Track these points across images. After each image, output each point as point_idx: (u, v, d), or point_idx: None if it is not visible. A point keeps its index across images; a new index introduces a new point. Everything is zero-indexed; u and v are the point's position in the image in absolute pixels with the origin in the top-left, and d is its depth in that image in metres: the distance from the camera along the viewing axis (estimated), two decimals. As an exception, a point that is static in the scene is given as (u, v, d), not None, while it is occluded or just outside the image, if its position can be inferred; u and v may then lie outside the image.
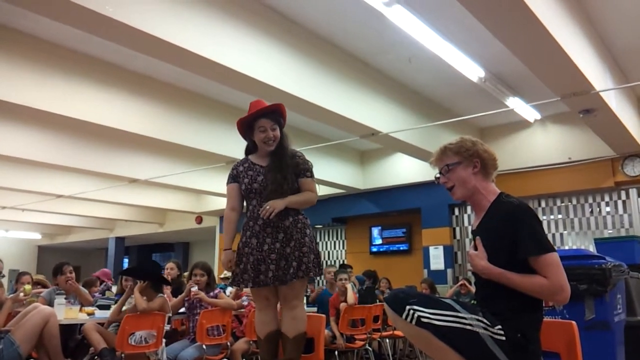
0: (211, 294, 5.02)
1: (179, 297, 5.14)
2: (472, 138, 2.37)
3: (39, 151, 8.61)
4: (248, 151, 3.52)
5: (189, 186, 11.05)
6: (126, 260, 21.01)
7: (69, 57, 6.46)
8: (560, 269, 2.05)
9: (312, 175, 3.42)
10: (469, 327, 2.01)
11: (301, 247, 3.22)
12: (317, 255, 3.32)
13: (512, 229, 2.12)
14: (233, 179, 3.41)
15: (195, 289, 4.93)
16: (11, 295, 4.83)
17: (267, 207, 3.18)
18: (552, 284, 2.02)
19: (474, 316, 2.04)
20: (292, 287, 3.22)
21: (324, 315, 3.76)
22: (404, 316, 2.03)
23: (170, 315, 4.94)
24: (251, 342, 5.12)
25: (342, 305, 5.99)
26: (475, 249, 2.26)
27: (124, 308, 4.71)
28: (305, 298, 6.70)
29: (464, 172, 2.32)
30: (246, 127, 3.41)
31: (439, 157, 2.41)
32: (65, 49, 6.43)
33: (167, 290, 6.71)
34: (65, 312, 4.64)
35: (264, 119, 3.32)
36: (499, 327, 2.04)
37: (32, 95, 6.13)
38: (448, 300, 2.12)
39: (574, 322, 2.48)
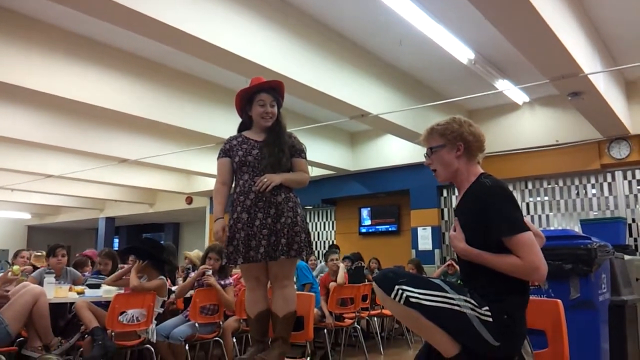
0: (222, 282, 5.02)
1: (189, 279, 5.14)
2: (462, 119, 2.35)
3: (29, 131, 8.55)
4: (242, 128, 3.47)
5: (179, 167, 11.02)
6: (116, 241, 20.99)
7: (58, 37, 6.39)
8: (533, 249, 2.05)
9: (305, 157, 3.41)
10: (456, 308, 2.03)
11: (293, 226, 3.17)
12: (307, 234, 3.30)
13: (484, 211, 2.13)
14: (225, 153, 3.35)
15: (209, 273, 4.93)
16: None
17: (265, 179, 3.15)
18: (526, 263, 2.03)
19: (462, 297, 2.06)
20: (282, 265, 3.21)
21: (313, 294, 3.80)
22: (392, 296, 2.04)
23: (166, 299, 4.96)
24: (241, 320, 5.16)
25: (332, 285, 6.06)
26: (455, 230, 2.28)
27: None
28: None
29: (447, 155, 2.32)
30: (245, 101, 3.38)
31: (425, 138, 2.41)
32: (55, 28, 6.36)
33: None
34: (55, 291, 4.64)
35: (265, 93, 3.32)
36: (487, 308, 2.05)
37: (21, 75, 6.07)
38: (437, 281, 2.13)
39: (559, 301, 2.52)
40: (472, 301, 2.06)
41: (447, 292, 2.07)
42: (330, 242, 12.37)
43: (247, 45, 5.37)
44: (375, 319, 6.96)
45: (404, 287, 2.04)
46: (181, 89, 7.81)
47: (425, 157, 2.44)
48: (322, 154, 10.23)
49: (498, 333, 2.04)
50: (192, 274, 5.41)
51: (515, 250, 2.05)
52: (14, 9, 5.96)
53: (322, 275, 6.92)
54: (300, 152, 3.38)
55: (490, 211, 2.11)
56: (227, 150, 3.35)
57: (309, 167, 3.45)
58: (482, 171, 2.32)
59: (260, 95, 3.31)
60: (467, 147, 2.30)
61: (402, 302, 2.03)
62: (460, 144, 2.30)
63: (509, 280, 2.08)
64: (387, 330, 7.77)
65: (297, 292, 3.50)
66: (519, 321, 2.12)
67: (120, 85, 7.07)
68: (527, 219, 2.21)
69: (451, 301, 2.04)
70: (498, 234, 2.08)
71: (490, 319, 2.04)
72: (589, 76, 5.89)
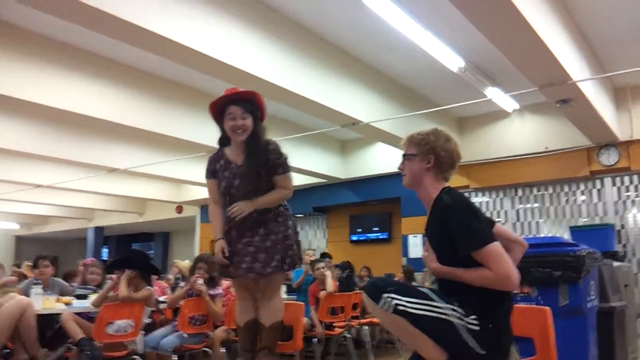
0: (211, 292, 4.98)
1: (182, 290, 5.08)
2: (441, 133, 2.38)
3: (17, 140, 8.49)
4: (222, 142, 3.35)
5: (169, 175, 10.97)
6: (105, 251, 20.83)
7: (47, 46, 6.35)
8: (501, 259, 2.05)
9: (285, 170, 3.23)
10: (443, 317, 2.06)
11: (284, 240, 3.18)
12: (298, 245, 3.31)
13: (447, 229, 2.16)
14: (211, 174, 3.29)
15: (201, 282, 4.92)
16: None
17: (235, 208, 3.10)
18: (497, 275, 2.03)
19: (449, 306, 2.08)
20: (270, 280, 3.22)
21: (302, 304, 3.78)
22: (380, 304, 2.07)
23: (154, 309, 4.92)
24: (230, 330, 5.13)
25: (322, 293, 6.03)
26: (427, 251, 2.33)
27: (110, 294, 4.71)
28: (286, 287, 6.77)
29: (417, 165, 2.36)
30: (217, 113, 3.24)
31: (404, 144, 2.46)
32: (43, 38, 6.32)
33: (161, 283, 6.66)
34: (42, 302, 4.60)
35: (234, 106, 3.14)
36: (473, 317, 2.07)
37: (9, 84, 6.03)
38: (425, 290, 2.16)
39: (547, 308, 2.54)
40: (459, 310, 2.08)
41: (434, 300, 2.09)
42: (322, 251, 12.32)
43: (236, 53, 5.37)
44: (366, 327, 6.93)
45: (392, 296, 2.07)
46: (171, 97, 7.78)
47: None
48: (313, 162, 10.20)
49: (484, 342, 2.06)
50: (182, 284, 5.37)
51: (484, 262, 2.07)
52: (3, 19, 5.93)
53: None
54: (277, 167, 3.20)
55: (452, 229, 2.14)
56: (213, 172, 3.30)
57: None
58: (445, 186, 2.35)
59: (230, 107, 3.15)
60: (437, 161, 2.34)
61: (390, 310, 2.05)
62: (431, 156, 2.34)
63: (487, 290, 2.09)
64: (378, 338, 7.74)
65: (287, 302, 3.49)
66: (504, 329, 2.14)
67: (109, 95, 7.04)
68: (507, 226, 2.23)
69: (438, 310, 2.07)
70: (464, 250, 2.10)
71: (477, 328, 2.06)
72: (577, 83, 5.92)
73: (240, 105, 3.15)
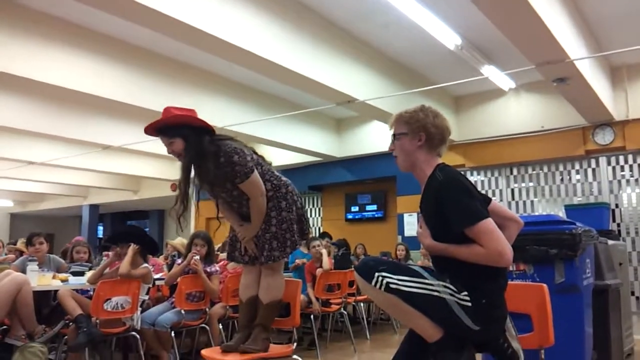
0: (207, 269, 4.99)
1: (180, 266, 5.09)
2: (429, 109, 2.36)
3: (11, 117, 8.40)
4: None
5: (164, 153, 10.84)
6: (100, 228, 20.81)
7: (40, 20, 6.26)
8: (494, 235, 2.04)
9: (243, 179, 3.08)
10: (435, 293, 2.06)
11: (281, 224, 3.19)
12: (300, 220, 3.32)
13: (440, 206, 2.16)
14: None
15: (197, 258, 4.92)
16: None
17: (240, 235, 3.25)
18: (489, 251, 2.03)
19: (440, 282, 2.09)
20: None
21: (300, 281, 3.79)
22: (373, 283, 2.07)
23: (151, 286, 4.93)
24: (227, 307, 5.15)
25: (318, 271, 6.07)
26: (421, 227, 2.33)
27: (106, 271, 4.70)
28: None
29: (408, 144, 2.35)
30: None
31: (392, 123, 2.45)
32: (36, 12, 6.22)
33: (157, 260, 6.66)
34: (38, 279, 4.59)
35: (160, 135, 3.12)
36: (465, 293, 2.08)
37: (3, 61, 5.94)
38: (416, 268, 2.17)
39: (544, 285, 2.56)
40: (452, 287, 2.10)
41: (426, 278, 2.10)
42: (317, 229, 12.36)
43: (232, 30, 5.31)
44: (362, 304, 7.00)
45: (384, 274, 2.08)
46: (166, 74, 7.70)
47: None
48: (309, 140, 10.19)
49: (477, 317, 2.08)
50: (179, 261, 5.38)
51: (477, 239, 2.07)
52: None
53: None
54: (235, 178, 3.10)
55: (445, 205, 2.14)
56: None
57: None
58: (439, 162, 2.34)
59: (159, 136, 3.15)
60: (428, 138, 2.32)
61: (382, 288, 2.06)
62: (422, 134, 2.32)
63: (479, 267, 2.09)
64: (374, 315, 7.82)
65: (285, 279, 3.49)
66: (497, 305, 2.15)
67: (104, 71, 6.96)
68: (502, 203, 2.22)
69: (430, 287, 2.08)
70: (457, 227, 2.10)
71: (470, 304, 2.08)
72: (574, 62, 5.90)
73: (163, 134, 3.11)
